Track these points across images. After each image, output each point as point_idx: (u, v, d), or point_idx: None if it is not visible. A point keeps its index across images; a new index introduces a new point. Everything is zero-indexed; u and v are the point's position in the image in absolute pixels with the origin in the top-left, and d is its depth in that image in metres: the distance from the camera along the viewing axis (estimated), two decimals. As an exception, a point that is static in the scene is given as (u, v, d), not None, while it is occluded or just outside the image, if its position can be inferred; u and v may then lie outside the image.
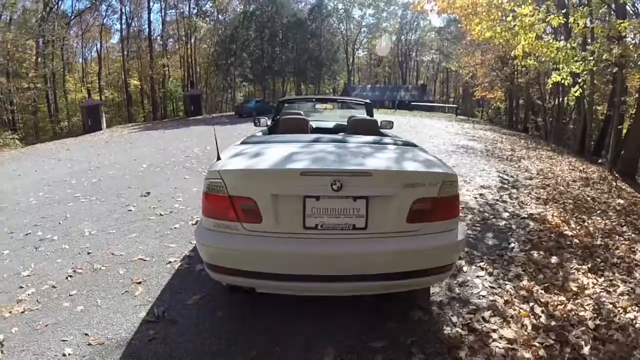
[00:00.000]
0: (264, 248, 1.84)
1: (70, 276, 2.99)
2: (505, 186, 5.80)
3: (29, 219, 4.54)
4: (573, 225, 4.26)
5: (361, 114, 4.44)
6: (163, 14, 34.28)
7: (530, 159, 9.27)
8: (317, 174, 1.84)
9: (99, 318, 2.35)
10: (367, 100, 4.25)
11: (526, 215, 4.49)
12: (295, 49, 31.82)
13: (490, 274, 2.94)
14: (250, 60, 31.10)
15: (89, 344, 2.10)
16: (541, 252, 3.39)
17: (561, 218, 4.43)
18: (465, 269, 2.99)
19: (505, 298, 2.58)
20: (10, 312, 2.55)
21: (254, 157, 2.15)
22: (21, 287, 2.88)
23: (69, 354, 2.04)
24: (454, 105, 31.15)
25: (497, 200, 5.02)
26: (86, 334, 2.20)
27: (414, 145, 2.53)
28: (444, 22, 39.71)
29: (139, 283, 2.75)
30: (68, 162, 9.50)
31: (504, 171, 6.99)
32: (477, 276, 2.89)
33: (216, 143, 2.21)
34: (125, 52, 34.11)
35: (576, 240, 3.77)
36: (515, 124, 27.06)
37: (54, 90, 29.21)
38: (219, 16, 35.78)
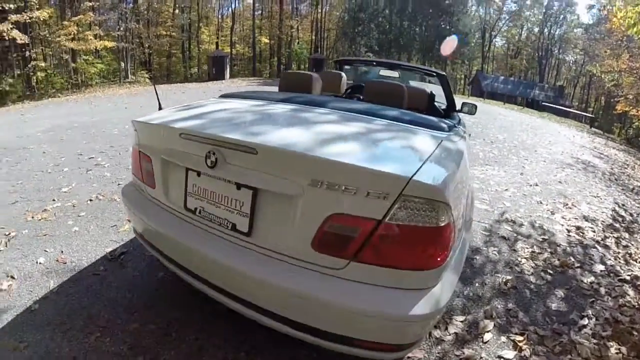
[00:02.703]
0: (150, 220, 1.63)
1: (91, 200, 3.51)
2: (616, 226, 4.60)
3: (101, 145, 5.46)
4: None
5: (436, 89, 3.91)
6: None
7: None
8: (194, 138, 1.44)
9: (79, 242, 2.71)
10: (441, 71, 3.45)
11: (628, 278, 3.50)
12: (425, 25, 30.47)
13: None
14: (377, 31, 30.98)
15: (57, 260, 2.46)
16: (624, 348, 2.10)
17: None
18: (487, 336, 2.02)
19: None
20: (32, 217, 3.15)
21: (189, 111, 1.84)
22: (53, 200, 3.52)
23: (40, 263, 2.43)
24: (591, 116, 26.99)
25: (597, 242, 3.94)
26: (62, 252, 2.57)
27: (442, 129, 1.72)
28: (594, 18, 34.53)
29: (129, 221, 3.05)
30: (173, 102, 11.01)
31: (623, 205, 5.54)
32: (500, 358, 1.91)
33: (156, 94, 2.17)
34: (259, 12, 37.50)
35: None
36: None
37: (188, 40, 33.81)
38: None
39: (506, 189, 4.59)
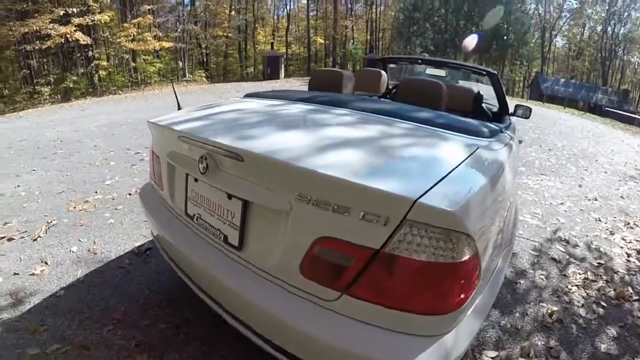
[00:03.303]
0: (157, 222, 1.62)
1: (130, 194, 3.68)
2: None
3: (149, 141, 5.73)
4: None
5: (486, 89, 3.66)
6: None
7: None
8: (190, 141, 1.38)
9: (112, 234, 2.84)
10: (492, 70, 3.09)
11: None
12: (481, 24, 29.20)
13: None
14: (433, 31, 30.25)
15: (88, 250, 2.59)
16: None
17: None
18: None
19: None
20: (74, 207, 3.36)
21: (200, 111, 1.81)
22: (95, 192, 3.74)
23: (72, 252, 2.57)
24: (661, 123, 24.20)
25: (663, 271, 3.59)
26: (94, 242, 2.71)
27: (473, 133, 1.48)
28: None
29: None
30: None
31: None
32: None
33: (175, 94, 2.19)
34: (314, 12, 38.17)
35: None
36: None
37: (244, 40, 35.10)
38: None
39: (562, 203, 4.21)
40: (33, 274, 2.29)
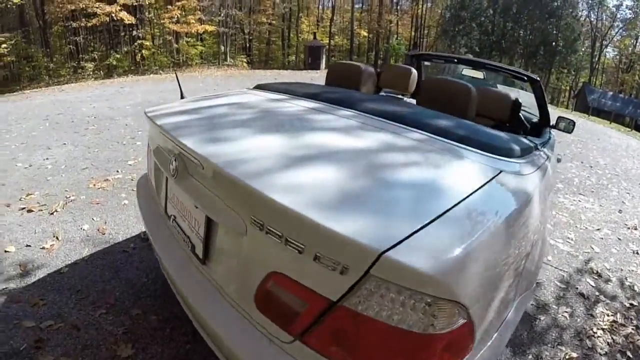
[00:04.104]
0: (142, 216, 1.58)
1: (148, 177, 3.78)
2: None
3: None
4: None
5: (528, 95, 3.38)
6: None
7: None
8: (166, 137, 1.28)
9: (124, 215, 2.93)
10: (534, 76, 2.73)
11: None
12: (529, 28, 27.91)
13: None
14: (479, 31, 29.31)
15: (98, 230, 2.69)
16: None
17: None
18: None
19: None
20: (93, 185, 3.50)
21: (197, 102, 1.75)
22: (117, 171, 3.88)
23: (83, 230, 2.68)
24: None
25: None
26: (105, 222, 2.80)
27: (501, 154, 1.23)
28: None
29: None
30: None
31: None
32: None
33: (178, 82, 2.16)
34: (359, 4, 38.04)
35: None
36: None
37: (288, 28, 35.39)
38: None
39: (598, 229, 3.88)
40: (43, 248, 2.40)
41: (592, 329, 2.32)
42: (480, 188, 0.97)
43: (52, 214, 2.88)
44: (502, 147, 1.26)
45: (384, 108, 1.55)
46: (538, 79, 2.72)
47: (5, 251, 2.35)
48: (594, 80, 40.37)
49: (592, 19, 37.20)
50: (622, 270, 3.15)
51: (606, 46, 40.22)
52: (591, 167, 6.72)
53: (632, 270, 3.17)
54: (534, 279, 1.49)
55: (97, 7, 17.66)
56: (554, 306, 2.48)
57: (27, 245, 2.43)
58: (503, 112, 2.36)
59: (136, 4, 19.01)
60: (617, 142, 11.49)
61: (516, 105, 2.39)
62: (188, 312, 1.24)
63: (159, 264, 2.34)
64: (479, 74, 3.36)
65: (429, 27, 39.65)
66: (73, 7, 17.79)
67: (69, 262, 2.27)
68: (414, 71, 2.68)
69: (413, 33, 39.02)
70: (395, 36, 38.39)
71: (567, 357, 2.07)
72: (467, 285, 0.77)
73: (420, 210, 0.85)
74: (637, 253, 3.55)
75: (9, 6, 17.24)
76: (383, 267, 0.72)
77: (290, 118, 1.47)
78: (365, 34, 38.91)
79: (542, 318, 2.34)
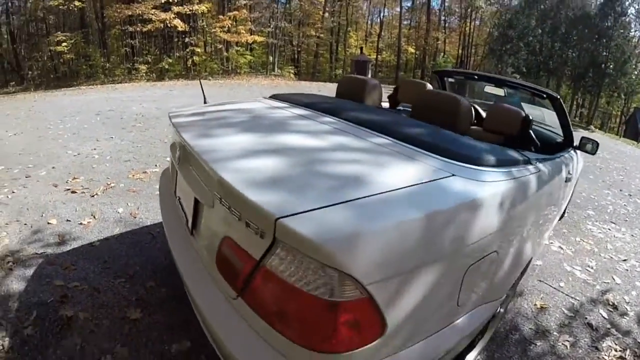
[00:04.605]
0: (161, 195, 1.92)
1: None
2: None
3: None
4: None
5: (549, 113, 3.32)
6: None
7: None
8: (177, 132, 1.52)
9: (155, 203, 3.21)
10: (554, 93, 2.77)
11: None
12: (577, 48, 26.61)
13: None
14: (526, 50, 28.35)
15: (130, 214, 3.00)
16: None
17: None
18: None
19: None
20: (132, 175, 3.86)
21: (214, 107, 1.99)
22: (155, 165, 4.24)
23: (117, 212, 3.00)
24: None
25: None
26: (137, 208, 3.12)
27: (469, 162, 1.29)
28: None
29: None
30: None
31: None
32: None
33: (202, 88, 2.39)
34: (408, 21, 38.20)
35: None
36: None
37: (336, 42, 36.09)
38: (505, 0, 34.62)
39: (625, 259, 3.67)
40: (81, 224, 2.73)
41: None
42: (415, 185, 1.07)
43: (92, 196, 3.23)
44: (467, 155, 1.32)
45: (363, 117, 1.68)
46: (558, 96, 2.70)
47: (48, 223, 2.70)
48: None
49: None
50: None
51: None
52: (630, 195, 6.36)
53: None
54: (499, 293, 1.49)
55: (152, 14, 18.95)
56: (555, 333, 2.36)
57: (67, 220, 2.77)
58: (513, 127, 2.39)
59: (190, 12, 20.18)
60: (664, 170, 10.73)
61: (526, 121, 2.41)
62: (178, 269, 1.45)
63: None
64: (500, 91, 3.36)
65: (477, 46, 39.02)
66: (130, 13, 19.18)
67: (101, 238, 2.57)
68: (429, 85, 2.78)
69: (460, 51, 38.61)
70: (442, 54, 38.17)
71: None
72: (361, 262, 0.84)
73: (334, 195, 0.95)
74: None
75: (70, 8, 18.82)
76: (283, 232, 0.85)
77: (275, 122, 1.66)
78: (413, 50, 38.94)
79: (538, 344, 2.25)
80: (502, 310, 1.99)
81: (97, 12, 22.62)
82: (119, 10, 19.41)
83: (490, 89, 3.50)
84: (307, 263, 0.85)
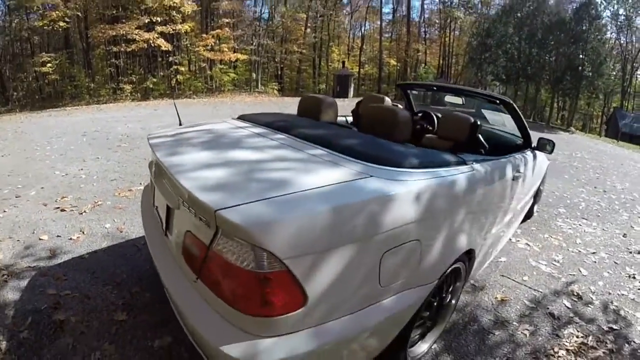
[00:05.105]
0: (142, 211, 2.18)
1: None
2: None
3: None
4: None
5: (506, 119, 3.49)
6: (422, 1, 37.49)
7: None
8: (153, 151, 1.79)
9: (139, 219, 3.25)
10: (507, 99, 2.96)
11: None
12: (554, 53, 27.60)
13: None
14: (505, 58, 29.25)
15: (117, 229, 3.20)
16: None
17: None
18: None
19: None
20: (118, 193, 4.06)
21: (186, 129, 2.24)
22: (140, 183, 4.45)
23: (105, 227, 3.20)
24: None
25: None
26: (124, 223, 3.30)
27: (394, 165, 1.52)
28: None
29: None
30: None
31: None
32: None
33: (177, 111, 2.74)
34: (389, 34, 39.15)
35: None
36: None
37: (319, 57, 36.74)
38: (483, 9, 36.01)
39: (594, 252, 3.71)
40: (71, 239, 2.92)
41: (553, 349, 2.23)
42: (332, 185, 1.30)
43: (81, 213, 3.40)
44: (387, 158, 1.55)
45: (309, 132, 1.91)
46: (509, 101, 2.90)
47: (40, 239, 2.89)
48: (627, 104, 38.85)
49: (622, 42, 36.26)
50: (609, 294, 2.96)
51: (637, 69, 38.74)
52: (605, 191, 6.42)
53: (622, 295, 2.96)
54: (428, 278, 1.61)
55: (136, 34, 19.33)
56: (515, 323, 2.43)
57: (58, 236, 2.95)
58: (462, 133, 2.63)
59: (173, 32, 20.56)
60: (643, 166, 11.02)
61: (474, 127, 2.62)
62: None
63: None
64: (458, 100, 3.54)
65: (457, 55, 39.99)
66: (114, 33, 19.52)
67: (90, 251, 2.77)
68: (387, 99, 3.01)
69: (441, 61, 39.54)
70: (424, 65, 39.04)
71: (514, 370, 1.99)
72: (277, 241, 1.09)
73: (261, 193, 1.21)
74: (633, 277, 3.30)
75: (55, 28, 19.03)
76: (221, 220, 1.11)
77: (233, 140, 1.90)
78: (394, 62, 39.76)
79: (497, 333, 2.32)
80: (453, 301, 2.14)
81: (82, 32, 22.87)
82: (103, 31, 19.71)
83: (449, 98, 3.69)
84: (238, 244, 1.12)
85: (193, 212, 1.27)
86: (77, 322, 2.00)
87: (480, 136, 2.68)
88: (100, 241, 2.92)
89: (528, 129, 3.12)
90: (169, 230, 1.63)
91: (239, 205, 1.14)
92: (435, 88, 3.79)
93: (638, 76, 40.03)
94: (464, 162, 1.88)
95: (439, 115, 3.33)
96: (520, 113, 3.00)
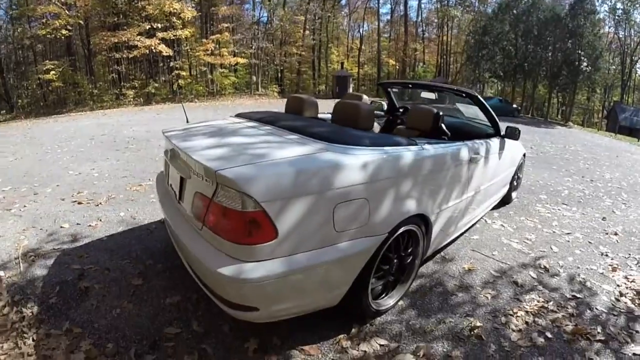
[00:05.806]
0: (158, 192, 2.58)
1: (172, 182, 4.66)
2: None
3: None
4: None
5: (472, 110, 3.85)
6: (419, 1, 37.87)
7: None
8: (169, 140, 2.27)
9: (150, 208, 3.77)
10: (473, 92, 3.33)
11: None
12: (550, 49, 27.72)
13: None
14: (502, 55, 29.42)
15: (130, 216, 3.55)
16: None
17: None
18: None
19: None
20: (130, 188, 4.41)
21: (194, 124, 2.70)
22: (149, 180, 4.79)
23: (120, 215, 3.54)
24: None
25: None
26: (136, 212, 3.65)
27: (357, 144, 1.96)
28: None
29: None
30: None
31: None
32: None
33: (184, 111, 3.21)
34: (387, 34, 39.48)
35: None
36: None
37: (318, 59, 37.09)
38: (480, 7, 36.17)
39: (569, 233, 3.87)
40: (90, 225, 3.27)
41: (512, 310, 2.37)
42: (298, 156, 1.77)
43: (97, 205, 3.77)
44: (342, 139, 1.98)
45: (290, 124, 2.35)
46: (475, 94, 3.30)
47: (61, 227, 3.24)
48: (627, 98, 38.63)
49: (620, 36, 36.10)
50: (578, 268, 3.08)
51: (636, 62, 38.66)
52: (591, 181, 6.65)
53: (591, 269, 3.08)
54: (378, 231, 1.95)
55: (137, 41, 19.66)
56: (478, 288, 2.60)
57: (77, 224, 3.30)
58: (426, 123, 2.97)
59: (174, 37, 20.93)
60: (637, 159, 10.87)
61: (436, 117, 2.95)
62: (171, 235, 2.18)
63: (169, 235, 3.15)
64: (431, 95, 3.85)
65: (455, 54, 40.15)
66: (116, 40, 19.87)
67: (108, 234, 3.12)
68: (365, 97, 3.41)
69: (439, 60, 39.84)
70: (421, 64, 39.25)
71: (470, 324, 2.20)
72: (256, 190, 1.53)
73: (248, 160, 1.70)
74: (605, 255, 3.42)
75: (57, 37, 19.43)
76: (220, 178, 1.57)
77: (231, 130, 2.37)
78: (393, 62, 40.05)
79: (460, 295, 2.51)
80: (416, 261, 2.43)
81: (84, 39, 23.28)
82: (105, 38, 20.07)
83: (425, 94, 3.95)
84: (231, 192, 1.58)
85: (201, 176, 1.74)
86: (100, 288, 2.34)
87: (443, 125, 3.02)
88: (116, 227, 3.27)
89: (496, 118, 3.45)
90: (181, 197, 2.04)
91: (232, 167, 1.61)
92: (410, 85, 4.19)
93: (637, 69, 39.93)
94: (415, 144, 2.28)
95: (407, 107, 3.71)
96: (486, 104, 3.36)
